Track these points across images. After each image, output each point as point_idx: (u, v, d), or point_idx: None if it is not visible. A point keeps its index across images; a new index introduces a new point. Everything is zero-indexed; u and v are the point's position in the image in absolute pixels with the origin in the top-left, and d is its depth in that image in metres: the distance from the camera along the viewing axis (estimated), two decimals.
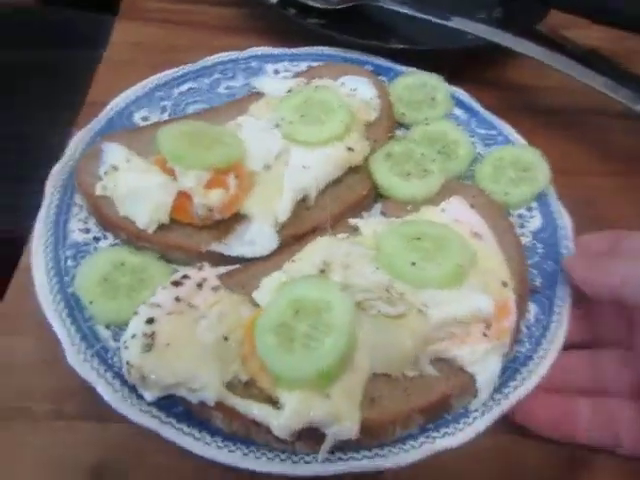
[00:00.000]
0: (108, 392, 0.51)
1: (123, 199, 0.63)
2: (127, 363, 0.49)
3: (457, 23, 0.90)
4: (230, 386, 0.51)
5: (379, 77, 0.85)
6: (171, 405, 0.51)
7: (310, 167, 0.68)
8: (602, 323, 0.61)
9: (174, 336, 0.51)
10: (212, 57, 0.84)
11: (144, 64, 0.85)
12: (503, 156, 0.75)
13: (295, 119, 0.71)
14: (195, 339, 0.51)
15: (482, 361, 0.54)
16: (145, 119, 0.76)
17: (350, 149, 0.70)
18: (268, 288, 0.56)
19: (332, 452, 0.50)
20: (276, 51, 0.87)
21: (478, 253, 0.61)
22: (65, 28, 1.17)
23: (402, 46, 0.90)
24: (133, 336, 0.50)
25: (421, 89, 0.83)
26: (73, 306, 0.57)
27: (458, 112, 0.83)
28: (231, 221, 0.65)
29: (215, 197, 0.62)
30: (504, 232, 0.66)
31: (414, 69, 0.86)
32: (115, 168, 0.65)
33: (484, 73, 0.97)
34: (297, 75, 0.83)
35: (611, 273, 0.54)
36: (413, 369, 0.54)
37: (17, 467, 0.53)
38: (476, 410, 0.53)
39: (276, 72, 0.85)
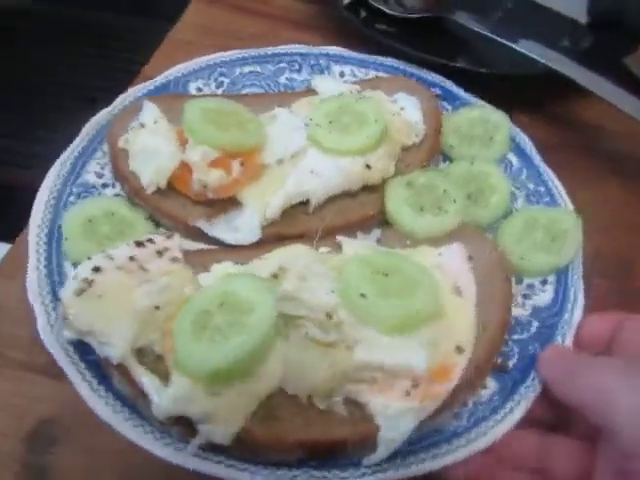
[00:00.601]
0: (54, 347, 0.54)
1: (136, 155, 0.66)
2: (57, 298, 0.53)
3: (524, 47, 0.83)
4: (141, 354, 0.52)
5: (443, 102, 0.81)
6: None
7: (319, 174, 0.67)
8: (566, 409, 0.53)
9: (110, 291, 0.53)
10: (284, 46, 0.85)
11: (205, 46, 0.86)
12: (538, 218, 0.68)
13: (323, 123, 0.69)
14: (128, 299, 0.53)
15: (394, 418, 0.49)
16: (199, 90, 0.79)
17: (368, 167, 0.68)
18: (215, 274, 0.57)
19: None
20: (346, 54, 0.85)
21: (449, 310, 0.56)
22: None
23: (463, 66, 0.86)
24: (75, 277, 0.54)
25: (482, 124, 0.77)
26: (54, 239, 0.61)
27: (512, 158, 0.76)
28: (226, 204, 0.65)
29: (213, 177, 0.63)
30: (498, 297, 0.60)
31: (483, 103, 0.80)
32: (142, 125, 0.69)
33: (548, 104, 0.91)
34: (359, 82, 0.82)
35: (586, 386, 0.48)
36: (323, 401, 0.51)
37: None
38: (368, 467, 0.49)
39: (342, 74, 0.84)
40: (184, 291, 0.56)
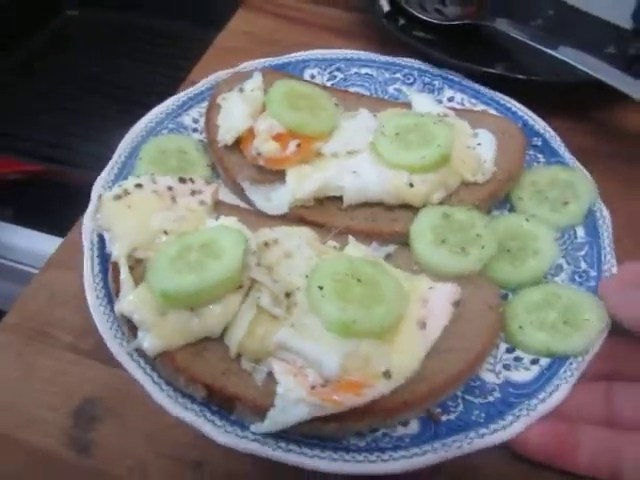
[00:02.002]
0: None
1: (223, 111, 0.76)
2: (99, 196, 0.65)
3: (565, 54, 0.80)
4: (136, 263, 0.61)
5: (539, 155, 0.77)
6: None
7: (360, 176, 0.69)
8: (627, 356, 0.59)
9: (138, 206, 0.64)
10: (406, 59, 0.88)
11: (250, 54, 0.88)
12: (562, 296, 0.62)
13: (390, 133, 0.71)
14: (148, 217, 0.63)
15: (290, 403, 0.51)
16: (312, 77, 0.87)
17: (411, 185, 0.68)
18: (218, 222, 0.64)
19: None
20: (464, 82, 0.84)
21: (400, 337, 0.56)
22: (193, 6, 1.32)
23: (501, 72, 0.84)
24: (120, 186, 0.65)
25: (562, 187, 0.72)
26: None
27: (580, 230, 0.69)
28: (273, 176, 0.72)
29: (269, 148, 0.70)
30: (468, 354, 0.57)
31: (579, 165, 0.74)
32: (241, 90, 0.78)
33: (590, 111, 0.89)
34: (455, 108, 0.80)
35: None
36: (248, 364, 0.56)
37: (32, 380, 0.63)
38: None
39: (450, 99, 0.84)
40: (193, 229, 0.64)
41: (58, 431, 0.59)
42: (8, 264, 1.04)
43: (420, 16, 0.95)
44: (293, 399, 0.51)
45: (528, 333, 0.59)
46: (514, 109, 0.82)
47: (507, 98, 0.82)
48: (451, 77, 0.86)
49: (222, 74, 0.84)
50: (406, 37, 0.93)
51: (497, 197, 0.72)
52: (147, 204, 0.65)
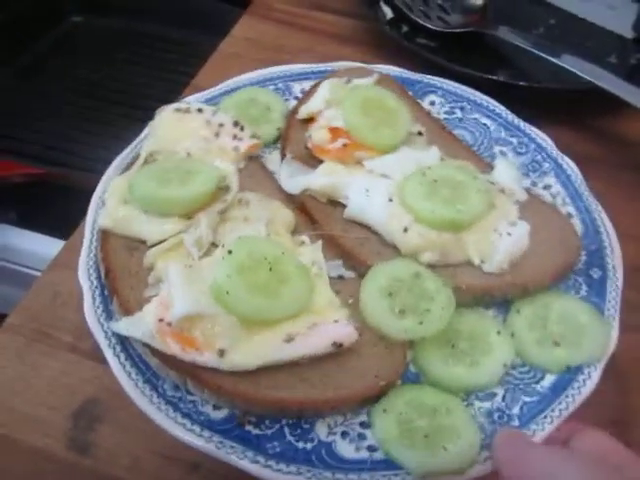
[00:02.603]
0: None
1: (318, 90, 0.76)
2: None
3: (567, 61, 0.81)
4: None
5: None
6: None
7: (368, 196, 0.65)
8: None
9: (188, 123, 0.70)
10: (541, 134, 0.76)
11: (254, 59, 0.91)
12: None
13: (428, 176, 0.64)
14: (186, 134, 0.69)
15: (139, 319, 0.54)
16: (431, 103, 0.81)
17: (405, 230, 0.62)
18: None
19: None
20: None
21: (262, 335, 0.54)
22: (197, 13, 1.33)
23: (502, 79, 0.86)
24: (186, 102, 0.74)
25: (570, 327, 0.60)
26: None
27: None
28: (315, 161, 0.70)
29: (318, 135, 0.70)
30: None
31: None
32: (348, 81, 0.76)
33: (591, 119, 0.90)
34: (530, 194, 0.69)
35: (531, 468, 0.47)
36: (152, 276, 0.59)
37: (33, 381, 0.63)
38: None
39: (546, 187, 0.72)
40: (212, 163, 0.67)
41: (58, 432, 0.60)
42: (11, 267, 1.04)
43: (423, 23, 0.96)
44: (142, 317, 0.54)
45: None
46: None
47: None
48: (568, 175, 0.72)
49: (356, 65, 0.82)
50: (409, 44, 0.93)
51: (492, 296, 0.62)
52: (195, 126, 0.69)
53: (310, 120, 0.74)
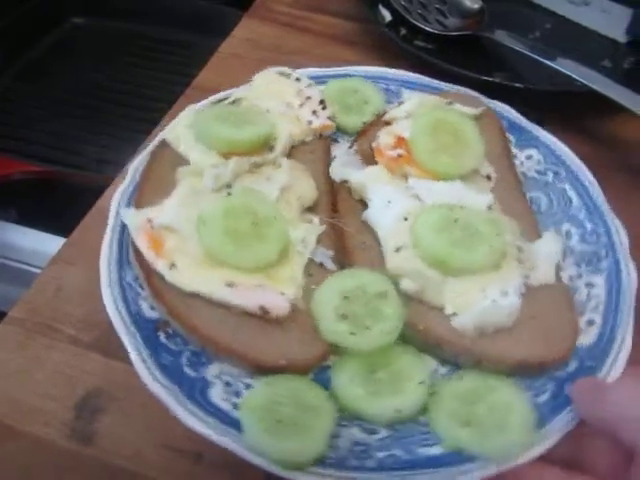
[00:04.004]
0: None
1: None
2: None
3: (562, 65, 0.83)
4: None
5: None
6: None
7: (387, 206, 0.64)
8: (591, 447, 0.51)
9: (278, 87, 0.75)
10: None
11: (254, 60, 0.93)
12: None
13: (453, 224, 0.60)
14: (267, 97, 0.74)
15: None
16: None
17: (397, 250, 0.60)
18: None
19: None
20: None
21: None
22: (197, 15, 1.35)
23: (499, 81, 0.88)
24: (291, 70, 0.78)
25: None
26: None
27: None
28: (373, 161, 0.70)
29: (383, 139, 0.70)
30: None
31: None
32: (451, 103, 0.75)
33: (584, 120, 0.91)
34: None
35: (609, 405, 0.48)
36: None
37: (36, 373, 0.63)
38: None
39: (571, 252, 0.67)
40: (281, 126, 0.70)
41: (60, 422, 0.60)
42: (11, 264, 1.05)
43: (421, 26, 0.97)
44: (140, 213, 0.60)
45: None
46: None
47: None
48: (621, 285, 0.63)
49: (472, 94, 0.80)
50: (407, 46, 0.95)
51: (442, 350, 0.58)
52: (286, 90, 0.75)
53: (389, 123, 0.75)
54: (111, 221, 0.63)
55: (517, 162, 0.74)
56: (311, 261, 0.61)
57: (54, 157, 1.17)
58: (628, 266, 0.63)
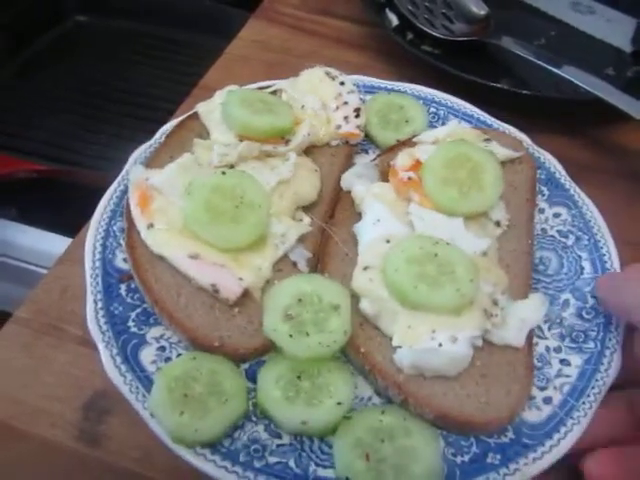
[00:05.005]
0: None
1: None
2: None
3: (567, 72, 0.84)
4: None
5: None
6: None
7: (378, 222, 0.63)
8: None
9: (320, 86, 0.77)
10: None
11: (260, 62, 0.93)
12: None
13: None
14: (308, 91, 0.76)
15: None
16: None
17: (365, 269, 0.59)
18: None
19: None
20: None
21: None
22: (204, 16, 1.36)
23: (505, 87, 0.88)
24: (338, 72, 0.79)
25: None
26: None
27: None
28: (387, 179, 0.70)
29: (401, 159, 0.68)
30: None
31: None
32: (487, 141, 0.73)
33: (589, 129, 0.92)
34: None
35: (622, 294, 0.57)
36: None
37: (42, 373, 0.63)
38: None
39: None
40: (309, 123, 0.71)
41: (67, 423, 0.60)
42: (12, 263, 1.04)
43: (428, 31, 0.97)
44: (141, 170, 0.64)
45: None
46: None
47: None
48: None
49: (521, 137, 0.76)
50: (413, 50, 0.95)
51: (376, 379, 0.56)
52: (326, 91, 0.76)
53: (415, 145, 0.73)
54: (123, 172, 0.68)
55: (542, 217, 0.71)
56: (286, 258, 0.62)
57: (56, 155, 1.17)
58: (613, 356, 0.59)
